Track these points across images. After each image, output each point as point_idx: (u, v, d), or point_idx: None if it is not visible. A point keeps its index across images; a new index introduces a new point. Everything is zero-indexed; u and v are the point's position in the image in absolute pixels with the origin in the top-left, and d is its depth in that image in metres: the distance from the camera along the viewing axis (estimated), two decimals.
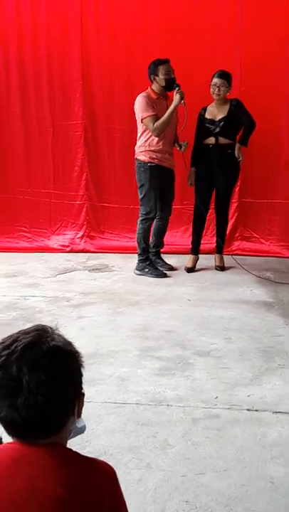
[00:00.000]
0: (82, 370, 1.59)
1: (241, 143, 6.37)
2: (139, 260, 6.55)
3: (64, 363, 1.53)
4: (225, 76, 6.24)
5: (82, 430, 1.68)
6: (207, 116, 6.36)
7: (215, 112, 6.36)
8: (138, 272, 6.50)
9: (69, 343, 1.59)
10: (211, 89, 6.26)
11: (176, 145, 6.39)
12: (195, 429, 3.28)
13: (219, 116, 6.35)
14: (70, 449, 1.56)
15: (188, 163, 6.46)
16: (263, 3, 6.81)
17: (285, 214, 7.17)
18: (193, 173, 6.49)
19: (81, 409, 1.60)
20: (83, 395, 1.60)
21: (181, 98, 6.11)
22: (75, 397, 1.56)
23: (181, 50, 6.86)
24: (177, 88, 6.12)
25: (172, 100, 6.27)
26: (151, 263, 6.54)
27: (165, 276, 6.41)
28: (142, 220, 6.50)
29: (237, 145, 6.36)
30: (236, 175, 6.55)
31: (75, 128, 7.35)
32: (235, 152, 6.34)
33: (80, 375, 1.58)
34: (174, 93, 6.13)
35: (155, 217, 6.55)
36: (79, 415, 1.59)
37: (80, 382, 1.58)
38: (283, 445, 3.11)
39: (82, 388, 1.59)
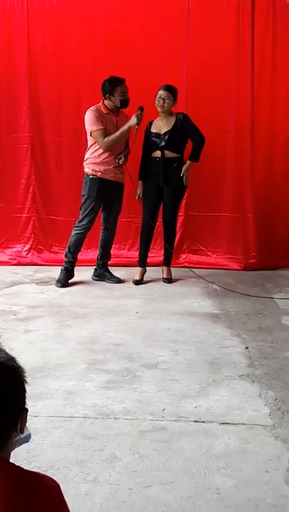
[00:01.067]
0: (25, 385, 1.56)
1: (192, 159, 6.45)
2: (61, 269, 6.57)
3: (6, 379, 1.50)
4: (170, 89, 6.31)
5: (27, 439, 1.66)
6: (153, 129, 6.40)
7: (160, 126, 6.41)
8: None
9: (12, 359, 1.56)
10: (156, 102, 6.32)
11: (115, 157, 6.38)
12: (142, 441, 3.28)
13: (164, 130, 6.40)
14: (13, 464, 1.54)
15: (134, 178, 6.48)
16: (209, 20, 6.90)
17: (230, 227, 7.25)
18: (141, 186, 6.52)
19: (24, 425, 1.57)
20: (26, 410, 1.57)
21: (138, 123, 6.18)
22: (18, 414, 1.54)
23: (127, 66, 6.88)
24: (139, 112, 6.18)
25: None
26: (65, 270, 6.52)
27: (64, 286, 6.42)
28: (74, 227, 6.52)
29: (188, 162, 6.44)
30: (183, 188, 6.60)
31: (21, 140, 7.29)
32: (183, 168, 6.41)
33: (24, 391, 1.55)
34: (134, 115, 6.17)
35: (89, 229, 6.52)
36: (22, 431, 1.56)
37: (24, 398, 1.56)
38: (230, 456, 3.13)
39: (25, 404, 1.56)
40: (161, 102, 6.31)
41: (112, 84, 6.22)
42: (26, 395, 1.56)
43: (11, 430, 1.52)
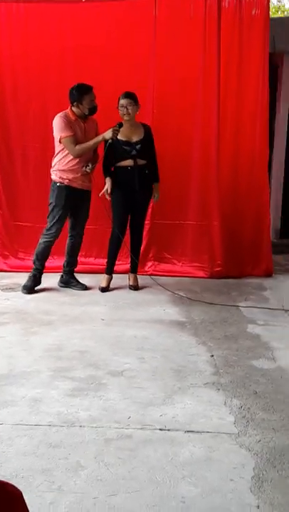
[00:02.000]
0: None
1: (157, 180, 6.55)
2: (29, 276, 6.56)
3: None
4: (130, 96, 6.32)
5: None
6: (120, 137, 6.35)
7: (128, 134, 6.38)
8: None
9: None
10: (120, 111, 6.31)
11: (82, 164, 6.35)
12: (107, 449, 3.28)
13: (135, 138, 6.40)
14: None
15: (101, 186, 6.45)
16: (176, 31, 6.92)
17: (196, 235, 7.28)
18: (109, 182, 6.43)
19: None
20: None
21: (112, 138, 6.18)
22: None
23: (94, 72, 6.89)
24: (117, 127, 6.19)
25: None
26: (33, 277, 6.52)
27: (30, 293, 6.41)
28: (42, 235, 6.50)
29: (155, 185, 6.52)
30: (150, 196, 6.62)
31: None
32: (155, 193, 6.55)
33: None
34: (111, 129, 6.16)
35: (56, 236, 6.50)
36: None
37: None
38: (195, 464, 3.15)
39: None
40: (125, 110, 6.31)
41: (80, 92, 6.21)
42: None
43: None
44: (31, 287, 6.46)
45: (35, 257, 6.54)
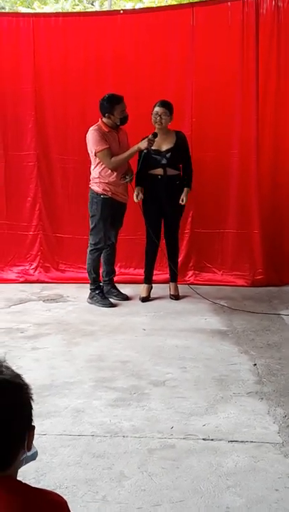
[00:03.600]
0: (31, 403, 1.56)
1: (188, 187, 6.48)
2: (90, 289, 6.56)
3: (13, 396, 1.51)
4: (166, 105, 6.32)
5: (33, 457, 1.66)
6: (152, 146, 6.35)
7: (159, 143, 6.37)
8: (90, 301, 6.51)
9: (17, 376, 1.57)
10: (153, 119, 6.33)
11: (121, 175, 6.38)
12: (151, 459, 3.27)
13: (165, 147, 6.40)
14: (20, 481, 1.54)
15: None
16: (214, 37, 6.94)
17: (236, 243, 7.24)
18: (139, 190, 6.45)
19: (31, 442, 1.57)
20: (34, 428, 1.57)
21: (147, 148, 6.20)
22: (25, 431, 1.54)
23: (133, 83, 7.00)
24: (152, 137, 6.19)
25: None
26: (101, 292, 6.54)
27: (112, 306, 6.42)
28: (91, 251, 6.53)
29: (186, 189, 6.45)
30: (183, 205, 6.60)
31: (27, 159, 7.34)
32: (182, 196, 6.42)
33: (30, 408, 1.55)
34: (146, 138, 6.18)
35: (104, 248, 6.57)
36: (29, 448, 1.56)
37: (30, 416, 1.56)
38: (239, 474, 3.12)
39: (32, 421, 1.56)
40: (158, 118, 6.32)
41: (111, 103, 6.24)
42: (34, 412, 1.57)
43: (19, 448, 1.52)
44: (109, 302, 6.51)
45: (94, 275, 6.56)
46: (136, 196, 6.40)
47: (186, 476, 3.11)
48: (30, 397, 1.56)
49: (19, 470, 1.58)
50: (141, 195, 6.39)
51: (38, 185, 7.38)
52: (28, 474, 2.94)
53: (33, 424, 1.57)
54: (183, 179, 6.49)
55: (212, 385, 4.32)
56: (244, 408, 3.93)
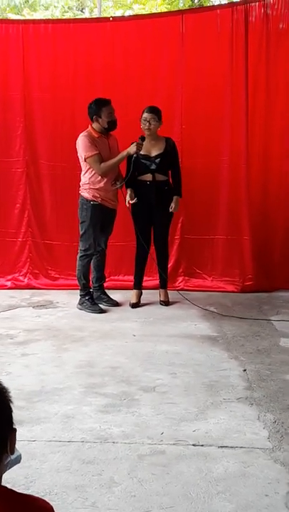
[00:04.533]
0: (11, 405, 1.55)
1: (178, 195, 6.49)
2: (80, 296, 6.55)
3: None
4: (154, 111, 6.35)
5: (17, 461, 1.65)
6: (141, 152, 6.33)
7: (149, 148, 6.40)
8: (79, 307, 6.51)
9: None
10: (142, 125, 6.35)
11: (112, 181, 6.38)
12: (141, 465, 3.27)
13: (154, 153, 6.42)
14: (5, 487, 1.53)
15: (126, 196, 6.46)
16: (203, 42, 6.97)
17: (226, 249, 7.25)
18: (131, 192, 6.40)
19: (14, 445, 1.56)
20: (15, 430, 1.57)
21: (136, 152, 6.20)
22: (7, 434, 1.53)
23: (122, 89, 7.01)
24: (140, 141, 6.21)
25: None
26: (91, 298, 6.54)
27: (102, 312, 6.42)
28: (80, 257, 6.53)
29: (175, 197, 6.45)
30: (171, 212, 6.60)
31: (16, 165, 7.31)
32: (172, 204, 6.42)
33: (10, 410, 1.55)
34: (134, 143, 6.19)
35: (94, 254, 6.57)
36: (12, 451, 1.55)
37: (11, 418, 1.55)
38: (229, 480, 3.12)
39: (13, 424, 1.56)
40: (147, 124, 6.33)
41: (99, 106, 6.25)
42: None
43: (1, 451, 1.51)
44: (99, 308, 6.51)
45: (84, 281, 6.56)
46: (129, 196, 6.37)
47: (176, 481, 3.11)
48: (9, 400, 1.56)
49: (8, 477, 1.58)
50: (135, 199, 6.36)
51: (27, 191, 7.35)
52: (17, 481, 2.93)
53: (14, 427, 1.56)
54: (172, 186, 6.50)
55: (202, 390, 4.32)
56: (234, 414, 3.93)
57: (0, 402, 1.53)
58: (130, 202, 6.36)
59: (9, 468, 1.59)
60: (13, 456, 1.59)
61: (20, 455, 1.65)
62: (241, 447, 3.48)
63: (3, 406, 1.53)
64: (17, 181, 7.35)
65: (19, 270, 7.47)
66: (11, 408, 1.55)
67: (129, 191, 6.40)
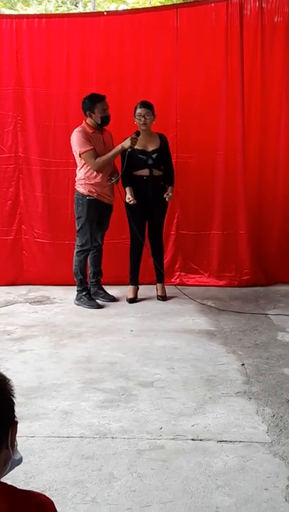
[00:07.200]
0: (12, 397, 1.53)
1: (171, 185, 6.50)
2: (77, 291, 6.55)
3: None
4: (148, 105, 6.35)
5: (19, 462, 1.63)
6: (137, 146, 6.31)
7: (144, 143, 6.39)
8: (77, 303, 6.50)
9: None
10: (137, 120, 6.35)
11: (108, 177, 6.38)
12: (140, 460, 3.26)
13: (151, 148, 6.42)
14: (5, 483, 1.52)
15: (124, 195, 6.43)
16: (198, 36, 6.95)
17: (222, 245, 7.23)
18: (129, 191, 6.37)
19: (14, 438, 1.53)
20: (16, 423, 1.54)
21: (131, 146, 6.18)
22: (8, 425, 1.50)
23: (117, 84, 6.98)
24: (135, 135, 6.20)
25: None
26: (88, 294, 6.54)
27: (99, 307, 6.42)
28: (77, 252, 6.52)
29: (170, 188, 6.46)
30: (167, 205, 6.61)
31: (7, 161, 7.23)
32: (169, 193, 6.42)
33: (12, 401, 1.52)
34: (129, 137, 6.18)
35: (91, 250, 6.56)
36: (13, 445, 1.53)
37: (13, 409, 1.52)
38: (228, 474, 3.12)
39: (15, 416, 1.53)
40: (143, 119, 6.33)
41: (92, 101, 6.25)
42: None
43: (2, 442, 1.48)
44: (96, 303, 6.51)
45: (81, 276, 6.56)
46: (130, 195, 6.33)
47: (175, 476, 3.10)
48: (11, 389, 1.53)
49: (7, 474, 1.56)
50: (134, 201, 6.32)
51: (19, 188, 7.27)
52: (16, 477, 2.92)
53: (16, 419, 1.54)
54: (166, 178, 6.50)
55: (200, 385, 4.32)
56: (233, 408, 3.93)
57: (2, 391, 1.50)
58: (131, 202, 6.32)
59: (10, 469, 1.57)
60: (15, 457, 1.57)
61: (21, 457, 1.64)
62: (240, 441, 3.48)
63: (3, 394, 1.50)
64: (9, 178, 7.26)
65: (15, 267, 7.38)
66: (12, 399, 1.52)
67: (128, 190, 6.37)
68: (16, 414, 1.54)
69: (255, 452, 3.35)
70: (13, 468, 1.59)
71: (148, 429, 3.63)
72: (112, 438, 3.53)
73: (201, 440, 3.50)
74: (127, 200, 6.34)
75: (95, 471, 3.15)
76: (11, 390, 1.53)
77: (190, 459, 3.27)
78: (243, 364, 4.72)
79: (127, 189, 6.39)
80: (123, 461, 3.26)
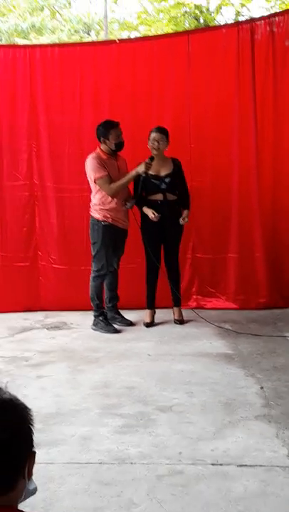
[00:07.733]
0: (32, 426, 1.52)
1: (187, 208, 6.52)
2: (94, 316, 6.55)
3: (13, 415, 1.48)
4: (163, 131, 6.39)
5: (33, 492, 1.62)
6: (150, 171, 6.36)
7: (157, 168, 6.42)
8: (94, 328, 6.50)
9: (17, 399, 1.53)
10: (150, 144, 6.38)
11: (122, 202, 6.41)
12: (160, 486, 3.24)
13: (164, 172, 6.45)
14: (22, 511, 1.50)
15: (139, 219, 6.48)
16: (210, 62, 6.98)
17: (239, 267, 7.21)
18: (149, 209, 6.38)
19: (32, 468, 1.52)
20: (34, 453, 1.52)
21: (145, 171, 6.23)
22: (26, 454, 1.49)
23: (130, 110, 7.03)
24: (149, 161, 6.24)
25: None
26: (105, 318, 6.54)
27: (116, 332, 6.41)
28: (93, 277, 6.54)
29: (185, 211, 6.48)
30: (182, 228, 6.62)
31: (22, 189, 7.28)
32: (184, 216, 6.44)
33: (30, 430, 1.51)
34: (143, 162, 6.22)
35: (107, 275, 6.57)
36: (30, 475, 1.51)
37: (31, 438, 1.51)
38: (249, 499, 3.09)
39: (33, 446, 1.52)
40: (156, 144, 6.37)
41: (107, 128, 6.30)
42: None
43: (20, 471, 1.47)
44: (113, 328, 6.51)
45: (98, 301, 6.57)
46: (153, 215, 6.31)
47: (195, 502, 3.08)
48: (31, 419, 1.52)
49: (26, 501, 1.55)
50: (158, 215, 6.31)
51: (35, 214, 7.33)
52: (36, 504, 2.91)
53: (34, 449, 1.52)
54: (182, 203, 6.52)
55: (219, 409, 4.29)
56: (252, 432, 3.90)
57: (18, 418, 1.49)
58: (155, 215, 6.31)
59: (24, 499, 1.55)
60: (30, 487, 1.56)
61: (36, 487, 1.62)
62: (260, 465, 3.44)
63: (24, 423, 1.49)
64: (24, 205, 7.31)
65: (30, 293, 7.40)
66: (31, 427, 1.51)
67: (147, 209, 6.38)
68: (34, 443, 1.52)
69: (276, 476, 3.32)
70: (27, 498, 1.57)
71: (167, 454, 3.61)
72: (131, 463, 3.51)
73: (220, 465, 3.47)
74: (152, 216, 6.35)
75: (114, 498, 3.13)
76: (31, 419, 1.52)
77: (210, 484, 3.25)
78: (261, 387, 4.69)
79: (145, 209, 6.41)
80: (142, 486, 3.24)
